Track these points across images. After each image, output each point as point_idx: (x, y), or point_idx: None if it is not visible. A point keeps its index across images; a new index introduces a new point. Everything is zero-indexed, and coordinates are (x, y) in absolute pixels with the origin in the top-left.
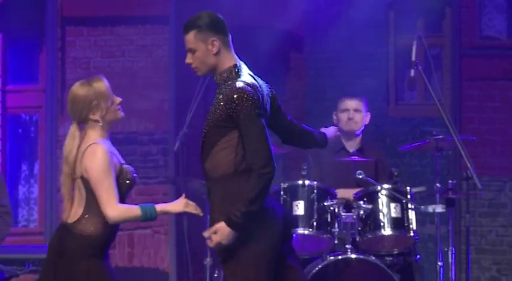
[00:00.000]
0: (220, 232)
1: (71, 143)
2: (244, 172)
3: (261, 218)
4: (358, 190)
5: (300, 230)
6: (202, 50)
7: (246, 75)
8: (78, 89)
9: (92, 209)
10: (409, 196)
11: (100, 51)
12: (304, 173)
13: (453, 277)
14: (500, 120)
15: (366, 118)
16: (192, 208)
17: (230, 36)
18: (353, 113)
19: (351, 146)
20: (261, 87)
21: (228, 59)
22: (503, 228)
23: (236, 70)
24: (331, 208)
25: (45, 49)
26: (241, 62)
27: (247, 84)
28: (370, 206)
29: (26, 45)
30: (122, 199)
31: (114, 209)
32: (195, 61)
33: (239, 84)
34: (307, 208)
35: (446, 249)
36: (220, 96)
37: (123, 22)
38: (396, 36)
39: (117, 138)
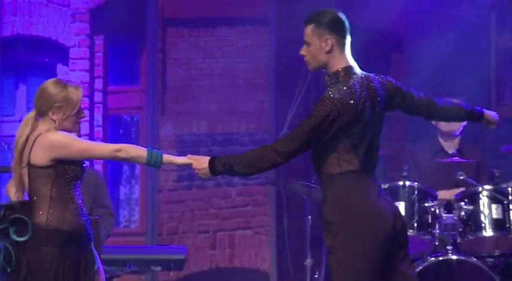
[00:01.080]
0: (199, 162)
1: (22, 129)
2: (348, 173)
3: (367, 217)
4: (459, 191)
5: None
6: (316, 46)
7: (351, 83)
8: (51, 85)
9: (41, 199)
10: (510, 197)
11: (201, 52)
12: (405, 174)
13: None
14: None
15: None
16: (196, 162)
17: (349, 38)
18: None
19: (450, 147)
20: (360, 94)
21: (339, 60)
22: None
23: (343, 74)
24: (432, 209)
25: (146, 50)
26: (354, 65)
27: (341, 93)
28: (471, 207)
29: (126, 47)
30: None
31: (111, 146)
32: (308, 54)
33: (332, 93)
34: (408, 208)
35: None
36: (322, 98)
37: (223, 23)
38: (498, 36)
39: (218, 139)
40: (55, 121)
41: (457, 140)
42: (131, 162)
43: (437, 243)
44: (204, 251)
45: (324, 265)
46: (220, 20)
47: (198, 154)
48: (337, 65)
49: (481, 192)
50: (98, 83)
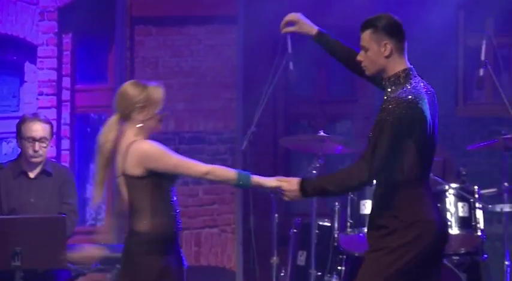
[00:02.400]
0: (290, 184)
1: (106, 134)
2: (411, 181)
3: (416, 229)
4: None
5: (366, 229)
6: (374, 51)
7: (413, 83)
8: (130, 87)
9: (139, 207)
10: (476, 195)
11: (169, 50)
12: None
13: None
14: None
15: None
16: (285, 184)
17: (406, 43)
18: None
19: None
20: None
21: (398, 64)
22: None
23: (404, 75)
24: None
25: (114, 49)
26: (412, 68)
27: (410, 93)
28: (438, 206)
29: (94, 45)
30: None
31: (201, 167)
32: (366, 60)
33: (402, 94)
34: None
35: None
36: (387, 102)
37: (191, 22)
38: (466, 35)
39: (185, 137)
40: (140, 121)
41: None
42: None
43: None
44: None
45: (289, 263)
46: (188, 19)
47: None
48: (396, 68)
49: (447, 190)
50: (66, 82)
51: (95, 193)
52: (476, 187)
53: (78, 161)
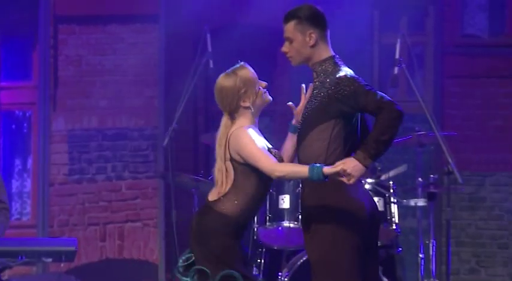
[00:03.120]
0: (349, 163)
1: (223, 131)
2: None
3: (349, 204)
4: None
5: (286, 223)
6: (299, 41)
7: (346, 67)
8: (224, 80)
9: (235, 190)
10: (391, 190)
11: (91, 49)
12: None
13: (433, 269)
14: (481, 116)
15: None
16: (345, 165)
17: (328, 31)
18: None
19: None
20: None
21: (324, 51)
22: (483, 221)
23: (335, 61)
24: None
25: (38, 47)
26: (337, 56)
27: (351, 73)
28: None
29: (19, 44)
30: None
31: (276, 166)
32: (291, 50)
33: (344, 73)
34: (293, 201)
35: (427, 242)
36: (326, 85)
37: (114, 21)
38: (380, 34)
39: (108, 134)
40: (249, 108)
41: None
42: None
43: None
44: (94, 243)
45: None
46: (110, 18)
47: (88, 149)
48: (322, 56)
49: (363, 185)
50: None
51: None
52: (391, 182)
53: (3, 156)
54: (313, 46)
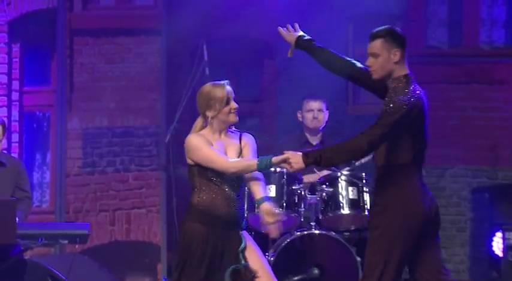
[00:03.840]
0: (294, 156)
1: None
2: (404, 165)
3: (410, 197)
4: (321, 175)
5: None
6: (385, 57)
7: (415, 86)
8: (205, 86)
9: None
10: (364, 181)
11: (103, 58)
12: None
13: None
14: (441, 117)
15: (326, 116)
16: (291, 156)
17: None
18: (317, 113)
19: (314, 139)
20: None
21: (402, 70)
22: (444, 208)
23: (406, 79)
24: (298, 191)
25: (56, 56)
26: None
27: (411, 93)
28: (331, 190)
29: (40, 53)
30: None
31: (227, 163)
32: (375, 65)
33: (404, 94)
34: (278, 191)
35: None
36: (388, 99)
37: (122, 33)
38: (355, 45)
39: (117, 132)
40: (211, 117)
41: (320, 134)
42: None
43: (302, 220)
44: (104, 227)
45: None
46: (119, 31)
47: (99, 144)
48: (400, 73)
49: (339, 176)
50: (15, 84)
51: None
52: (363, 174)
53: (25, 151)
54: (396, 63)
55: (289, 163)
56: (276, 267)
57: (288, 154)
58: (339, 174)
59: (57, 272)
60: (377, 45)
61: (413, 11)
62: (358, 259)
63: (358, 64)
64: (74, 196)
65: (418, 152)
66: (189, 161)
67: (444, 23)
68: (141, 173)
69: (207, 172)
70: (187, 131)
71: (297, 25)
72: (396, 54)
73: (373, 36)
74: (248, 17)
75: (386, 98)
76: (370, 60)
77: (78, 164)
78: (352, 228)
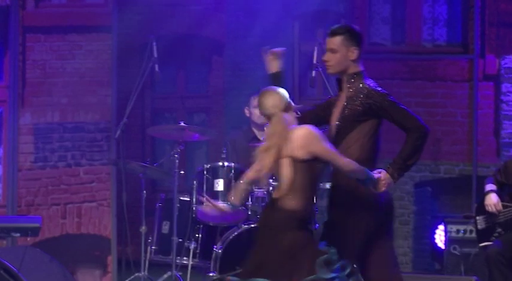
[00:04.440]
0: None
1: None
2: (368, 160)
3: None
4: None
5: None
6: (343, 54)
7: (368, 80)
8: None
9: (295, 186)
10: None
11: (54, 54)
12: (223, 156)
13: None
14: None
15: None
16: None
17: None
18: None
19: (261, 135)
20: None
21: (357, 67)
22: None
23: (361, 76)
24: None
25: (9, 53)
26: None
27: (375, 84)
28: (277, 183)
29: None
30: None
31: (344, 159)
32: (333, 60)
33: (371, 84)
34: (226, 185)
35: None
36: (353, 94)
37: (73, 31)
38: (300, 42)
39: (68, 127)
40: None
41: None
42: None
43: (249, 213)
44: (56, 220)
45: (155, 232)
46: (70, 28)
47: (51, 139)
48: (354, 70)
49: None
50: None
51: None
52: None
53: None
54: (353, 60)
55: (382, 183)
56: (224, 259)
57: (382, 175)
58: None
59: (9, 265)
60: (336, 41)
61: (357, 9)
62: None
63: (311, 110)
64: (25, 190)
65: (376, 146)
66: (301, 154)
67: (387, 21)
68: (92, 168)
69: (316, 169)
70: (137, 127)
71: (281, 50)
72: (354, 52)
73: (333, 33)
74: (196, 15)
75: (351, 90)
76: (328, 55)
77: (30, 158)
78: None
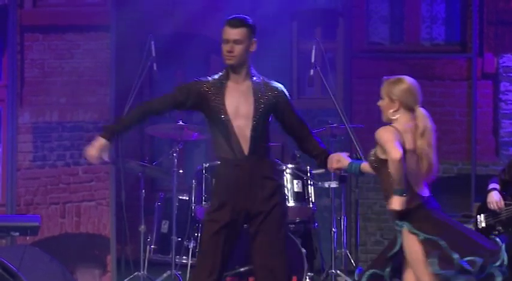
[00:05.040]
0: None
1: None
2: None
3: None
4: None
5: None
6: (246, 45)
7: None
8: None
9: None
10: (308, 174)
11: (52, 54)
12: None
13: (345, 241)
14: None
15: None
16: None
17: None
18: None
19: None
20: None
21: (249, 60)
22: (382, 201)
23: (251, 69)
24: None
25: (7, 52)
26: None
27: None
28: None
29: None
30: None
31: None
32: (237, 51)
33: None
34: None
35: (339, 218)
36: (267, 88)
37: (72, 30)
38: (298, 41)
39: (67, 126)
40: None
41: None
42: None
43: None
44: (55, 219)
45: (155, 231)
46: (69, 27)
47: (50, 139)
48: (249, 63)
49: (285, 170)
50: None
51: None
52: (308, 167)
53: None
54: (251, 52)
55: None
56: None
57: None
58: (284, 167)
59: (9, 264)
60: (242, 32)
61: (355, 7)
62: (304, 250)
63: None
64: (24, 189)
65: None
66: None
67: (386, 20)
68: (90, 167)
69: None
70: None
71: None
72: (254, 45)
73: (238, 24)
74: (195, 14)
75: (257, 81)
76: (232, 46)
77: (29, 157)
78: (297, 220)
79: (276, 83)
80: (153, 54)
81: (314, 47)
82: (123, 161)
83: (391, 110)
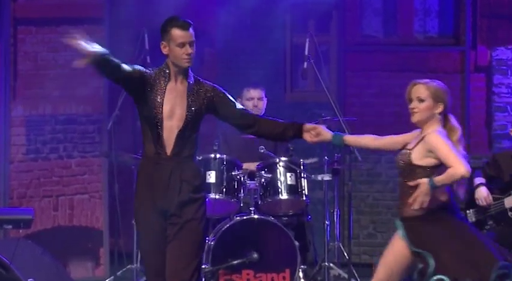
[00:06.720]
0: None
1: None
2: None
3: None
4: (260, 162)
5: (212, 195)
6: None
7: None
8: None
9: None
10: (302, 167)
11: (46, 46)
12: (215, 148)
13: (338, 234)
14: (376, 104)
15: (265, 103)
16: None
17: None
18: (257, 101)
19: None
20: None
21: None
22: (379, 193)
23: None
24: (238, 177)
25: (0, 45)
26: None
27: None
28: (270, 175)
29: None
30: None
31: None
32: (193, 52)
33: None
34: (218, 176)
35: (332, 211)
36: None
37: (65, 22)
38: (292, 34)
39: (60, 119)
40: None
41: None
42: None
43: (242, 205)
44: (48, 212)
45: None
46: (62, 20)
47: (43, 131)
48: None
49: (278, 163)
50: None
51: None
52: (301, 160)
53: None
54: None
55: None
56: (216, 251)
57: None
58: (277, 160)
59: (1, 257)
60: (193, 33)
61: (348, 0)
62: (297, 243)
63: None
64: (17, 182)
65: None
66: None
67: (379, 13)
68: (83, 160)
69: None
70: (129, 119)
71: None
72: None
73: (190, 26)
74: (188, 7)
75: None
76: (193, 49)
77: (22, 150)
78: (291, 213)
79: (208, 82)
80: (147, 47)
81: (307, 40)
82: (116, 154)
83: (434, 112)
